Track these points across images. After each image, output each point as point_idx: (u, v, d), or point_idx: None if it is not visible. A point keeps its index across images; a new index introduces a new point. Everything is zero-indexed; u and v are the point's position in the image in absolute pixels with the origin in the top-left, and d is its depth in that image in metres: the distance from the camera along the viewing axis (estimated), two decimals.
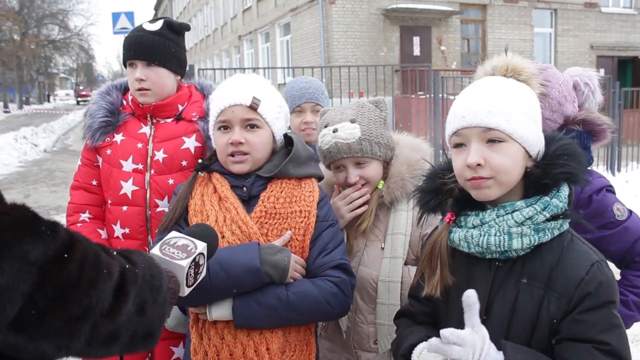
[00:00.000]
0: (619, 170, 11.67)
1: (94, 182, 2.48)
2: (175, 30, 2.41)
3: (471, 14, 20.96)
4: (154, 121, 2.45)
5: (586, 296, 1.37)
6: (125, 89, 2.54)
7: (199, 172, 1.96)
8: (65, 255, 0.94)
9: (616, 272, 2.15)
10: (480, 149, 1.44)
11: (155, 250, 1.38)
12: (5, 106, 44.30)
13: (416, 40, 19.65)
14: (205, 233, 1.50)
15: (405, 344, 1.60)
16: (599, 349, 1.34)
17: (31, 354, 0.92)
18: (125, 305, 1.06)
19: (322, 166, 2.15)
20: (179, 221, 1.89)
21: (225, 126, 1.87)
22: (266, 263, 1.74)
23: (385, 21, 19.10)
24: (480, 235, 1.46)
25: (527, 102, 1.49)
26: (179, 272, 1.36)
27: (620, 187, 8.91)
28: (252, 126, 1.86)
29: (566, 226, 1.48)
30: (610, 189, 2.05)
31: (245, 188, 1.87)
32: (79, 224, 2.45)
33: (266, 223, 1.84)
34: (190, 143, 2.42)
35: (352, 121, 2.05)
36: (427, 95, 10.97)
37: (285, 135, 2.00)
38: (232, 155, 1.85)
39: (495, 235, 1.44)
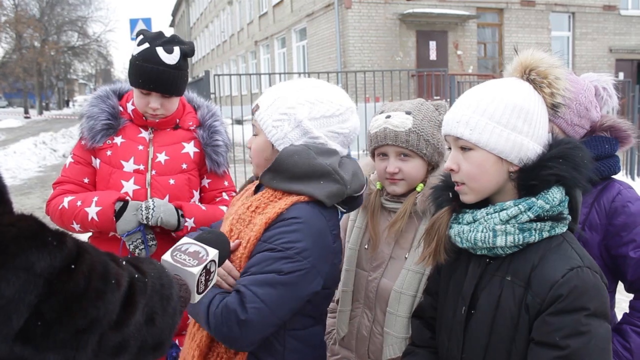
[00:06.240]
0: (639, 174, 11.48)
1: (86, 180, 2.51)
2: (188, 56, 2.45)
3: (488, 18, 20.84)
4: (153, 128, 2.54)
5: (557, 298, 1.39)
6: (120, 95, 2.62)
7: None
8: (73, 267, 0.94)
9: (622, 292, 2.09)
10: (456, 155, 1.54)
11: (167, 257, 1.38)
12: (26, 112, 45.03)
13: (432, 44, 19.58)
14: (217, 240, 1.50)
15: None
16: (559, 356, 1.36)
17: None
18: (133, 315, 1.05)
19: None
20: None
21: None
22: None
23: (401, 26, 19.05)
24: (470, 231, 1.53)
25: (506, 108, 1.49)
26: (190, 279, 1.36)
27: None
28: (256, 133, 1.86)
29: (560, 230, 1.49)
30: None
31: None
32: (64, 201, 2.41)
33: (234, 226, 1.81)
34: (190, 148, 2.57)
35: (408, 113, 2.02)
36: (444, 100, 10.91)
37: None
38: None
39: (481, 231, 1.50)
